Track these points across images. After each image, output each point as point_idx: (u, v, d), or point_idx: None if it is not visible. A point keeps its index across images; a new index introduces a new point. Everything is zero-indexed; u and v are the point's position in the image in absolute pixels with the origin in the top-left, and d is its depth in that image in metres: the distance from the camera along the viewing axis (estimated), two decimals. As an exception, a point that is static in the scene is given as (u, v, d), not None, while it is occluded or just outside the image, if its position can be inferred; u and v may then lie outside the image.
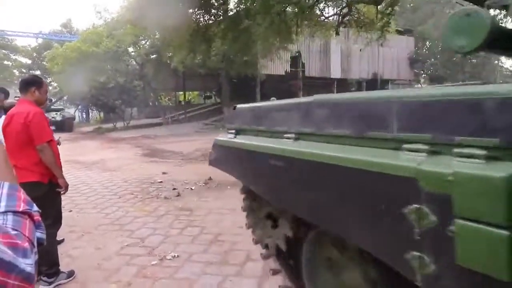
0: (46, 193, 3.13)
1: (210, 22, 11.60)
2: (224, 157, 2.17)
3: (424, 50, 33.32)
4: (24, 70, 44.49)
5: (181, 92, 31.84)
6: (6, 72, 46.45)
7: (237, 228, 4.38)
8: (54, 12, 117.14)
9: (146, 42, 22.85)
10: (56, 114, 23.23)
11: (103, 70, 22.84)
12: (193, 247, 3.87)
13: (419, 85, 29.60)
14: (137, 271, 3.34)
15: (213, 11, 11.75)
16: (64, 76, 22.59)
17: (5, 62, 46.97)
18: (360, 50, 19.61)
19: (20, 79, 3.16)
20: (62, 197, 6.23)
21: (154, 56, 22.77)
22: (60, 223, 3.41)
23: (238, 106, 2.12)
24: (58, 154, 3.34)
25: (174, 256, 3.62)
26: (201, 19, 11.57)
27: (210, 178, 7.34)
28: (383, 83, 28.42)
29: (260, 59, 16.98)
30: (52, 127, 19.22)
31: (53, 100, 26.83)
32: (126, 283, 3.11)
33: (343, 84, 27.15)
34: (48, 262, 3.08)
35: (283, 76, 22.46)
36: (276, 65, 20.72)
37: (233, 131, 2.03)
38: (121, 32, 21.97)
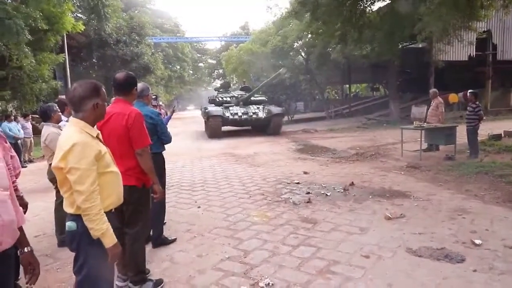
0: (139, 198, 2.97)
1: (366, 6, 10.34)
2: None
3: None
4: (210, 70, 51.74)
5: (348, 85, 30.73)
6: (199, 72, 55.08)
7: (360, 257, 3.46)
8: (237, 16, 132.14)
9: (309, 36, 22.71)
10: (258, 108, 15.87)
11: (271, 67, 23.88)
12: (295, 275, 3.17)
13: None
14: (222, 295, 2.89)
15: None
16: (237, 74, 24.37)
17: (200, 64, 55.65)
18: None
19: (117, 77, 3.03)
20: (199, 191, 6.54)
21: (316, 48, 22.43)
22: (149, 230, 3.24)
23: None
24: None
25: (268, 284, 3.01)
26: (359, 5, 10.43)
27: (352, 184, 6.43)
28: None
29: (435, 43, 14.40)
30: (248, 127, 15.76)
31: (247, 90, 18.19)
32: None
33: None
34: (134, 268, 2.93)
35: (466, 63, 18.62)
36: (457, 50, 17.33)
37: None
38: (288, 28, 22.47)
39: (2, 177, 1.63)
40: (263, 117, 15.49)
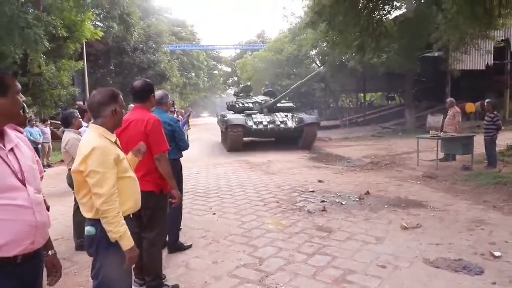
0: (157, 203, 3.03)
1: (383, 15, 10.36)
2: None
3: None
4: (225, 77, 52.26)
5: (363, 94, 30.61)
6: (213, 80, 55.66)
7: (376, 267, 3.44)
8: (254, 24, 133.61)
9: (325, 44, 22.75)
10: (286, 116, 13.32)
11: (285, 74, 23.96)
12: (311, 283, 3.17)
13: None
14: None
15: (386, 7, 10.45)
16: (252, 83, 24.48)
17: (214, 72, 56.22)
18: None
19: (135, 85, 3.10)
20: (213, 197, 6.58)
21: (330, 57, 22.45)
22: (166, 235, 3.28)
23: None
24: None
25: (284, 292, 3.02)
26: (376, 13, 10.44)
27: (367, 192, 6.39)
28: None
29: (451, 52, 14.26)
30: (272, 138, 13.77)
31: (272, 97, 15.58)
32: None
33: None
34: (151, 273, 2.98)
35: (483, 72, 18.35)
36: (474, 58, 17.11)
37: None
38: (303, 37, 22.58)
39: (37, 180, 1.69)
40: (293, 126, 12.82)
